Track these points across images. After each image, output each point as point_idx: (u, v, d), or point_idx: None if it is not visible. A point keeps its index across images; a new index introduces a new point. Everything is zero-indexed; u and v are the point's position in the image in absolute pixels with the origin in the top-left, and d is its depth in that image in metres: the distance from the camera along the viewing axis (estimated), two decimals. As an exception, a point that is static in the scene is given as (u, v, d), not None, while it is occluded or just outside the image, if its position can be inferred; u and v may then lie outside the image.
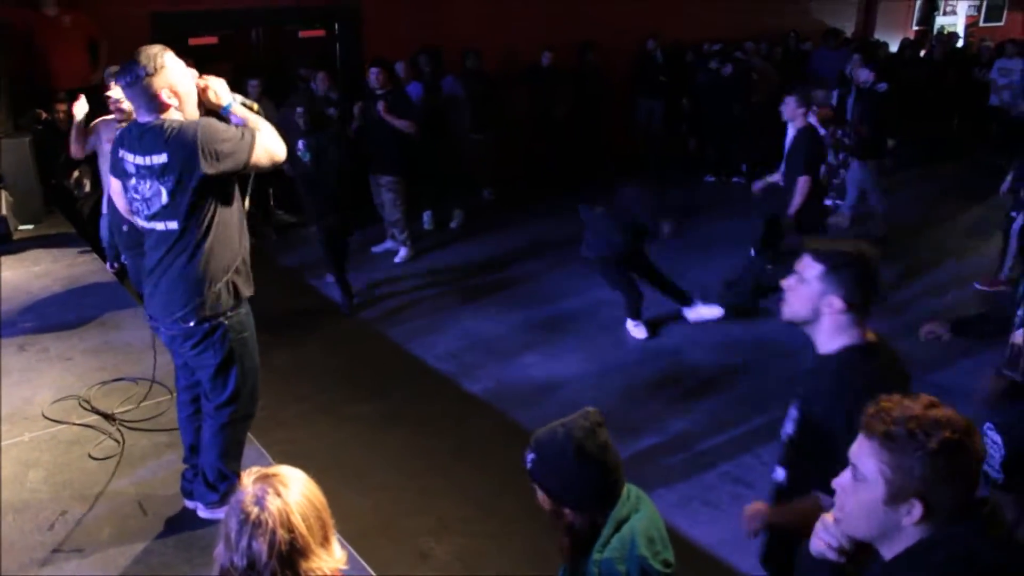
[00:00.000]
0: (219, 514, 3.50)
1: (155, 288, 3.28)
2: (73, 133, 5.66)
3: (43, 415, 4.42)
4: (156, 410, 4.45)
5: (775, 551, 2.79)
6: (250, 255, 3.39)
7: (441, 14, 9.89)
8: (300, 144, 6.36)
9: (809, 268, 2.42)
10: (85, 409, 4.49)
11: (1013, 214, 6.84)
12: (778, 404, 5.30)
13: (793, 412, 2.59)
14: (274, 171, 3.42)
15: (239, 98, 3.35)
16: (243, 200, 3.35)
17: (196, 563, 3.35)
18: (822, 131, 7.29)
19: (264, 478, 1.72)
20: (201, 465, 3.55)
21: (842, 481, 1.72)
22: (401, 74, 8.76)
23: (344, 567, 1.79)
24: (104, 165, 5.63)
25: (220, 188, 3.14)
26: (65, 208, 7.62)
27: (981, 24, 16.85)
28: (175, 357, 3.54)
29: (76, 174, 7.27)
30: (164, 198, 3.08)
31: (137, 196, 3.15)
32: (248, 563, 1.64)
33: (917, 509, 1.60)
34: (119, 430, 4.28)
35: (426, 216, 9.18)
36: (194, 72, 3.26)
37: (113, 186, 3.71)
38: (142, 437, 4.24)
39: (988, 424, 3.34)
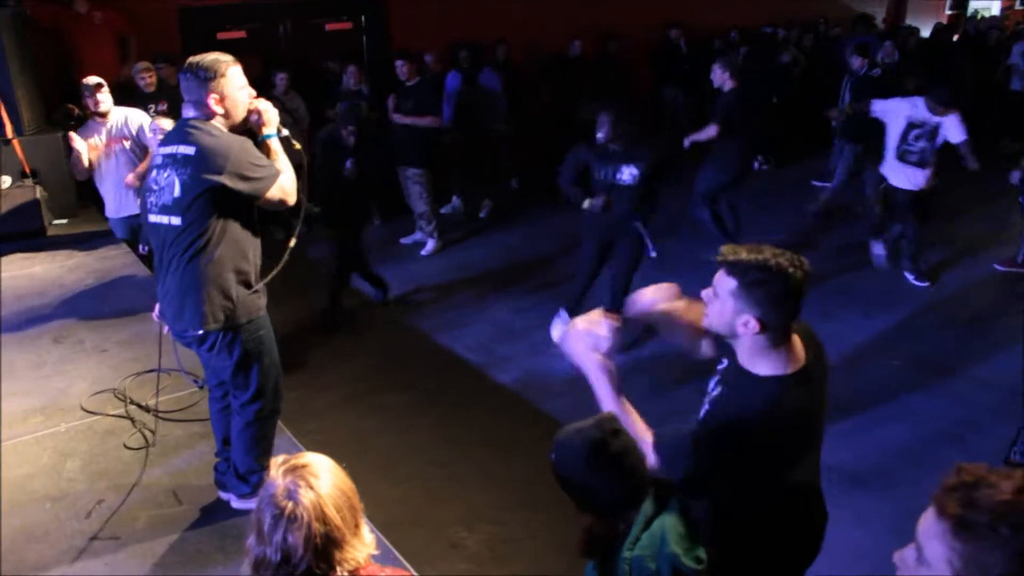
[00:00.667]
0: (251, 504, 3.53)
1: (164, 292, 3.31)
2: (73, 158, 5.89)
3: (81, 407, 4.48)
4: (189, 400, 4.51)
5: None
6: (279, 245, 3.42)
7: (466, 5, 9.88)
8: (348, 163, 6.22)
9: (722, 283, 2.19)
10: (120, 400, 4.55)
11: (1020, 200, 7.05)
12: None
13: (705, 407, 2.43)
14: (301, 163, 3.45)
15: (284, 132, 3.40)
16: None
17: (230, 551, 3.39)
18: None
19: (294, 469, 1.71)
20: (232, 459, 3.59)
21: (905, 558, 1.49)
22: (430, 64, 8.79)
23: (374, 551, 1.80)
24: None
25: (232, 203, 3.14)
26: (98, 203, 7.70)
27: (1018, 7, 16.54)
28: (201, 357, 3.57)
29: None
30: (176, 190, 3.10)
31: (154, 187, 3.19)
32: (283, 557, 1.63)
33: None
34: (154, 420, 4.34)
35: (456, 200, 9.20)
36: (251, 92, 3.31)
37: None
38: (176, 427, 4.29)
39: None
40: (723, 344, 2.42)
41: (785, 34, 11.51)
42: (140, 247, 6.26)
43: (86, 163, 5.95)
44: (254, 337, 3.34)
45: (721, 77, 7.14)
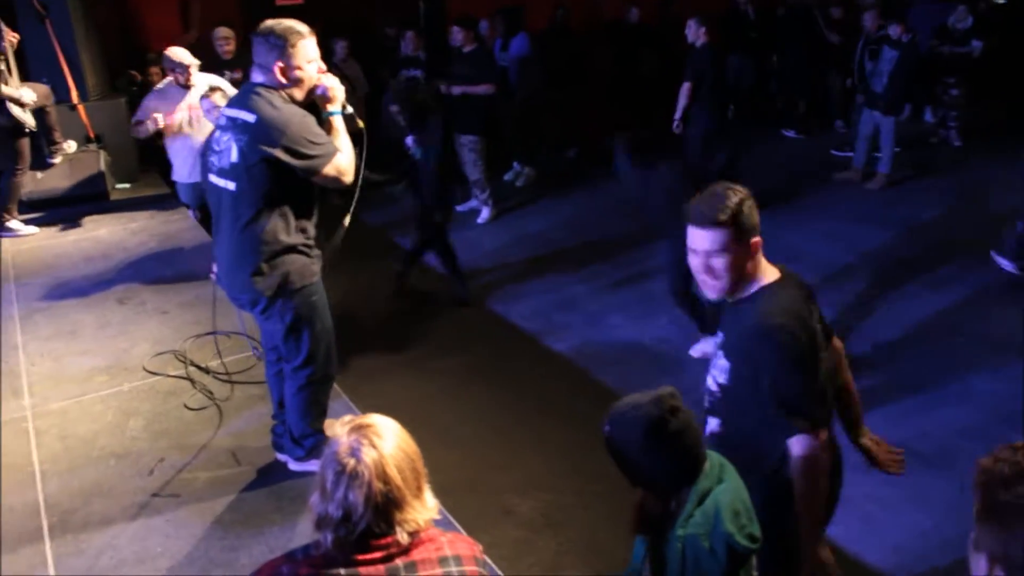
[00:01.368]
0: (308, 467, 3.58)
1: (221, 255, 3.34)
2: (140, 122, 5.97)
3: (144, 368, 4.57)
4: (248, 363, 4.57)
5: None
6: (336, 212, 3.42)
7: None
8: (409, 140, 6.06)
9: (714, 235, 2.24)
10: (180, 361, 4.63)
11: None
12: (864, 374, 5.16)
13: (723, 363, 2.44)
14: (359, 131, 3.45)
15: (348, 109, 3.38)
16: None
17: (287, 511, 3.44)
18: None
19: (358, 428, 1.70)
20: (287, 422, 3.62)
21: (969, 543, 1.44)
22: (485, 32, 8.69)
23: (436, 517, 1.79)
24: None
25: (286, 175, 3.13)
26: (160, 167, 7.83)
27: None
28: (257, 319, 3.60)
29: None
30: (234, 155, 3.11)
31: (216, 148, 3.21)
32: (344, 514, 1.63)
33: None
34: (214, 382, 4.41)
35: (516, 165, 9.15)
36: (321, 66, 3.28)
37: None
38: (235, 389, 4.35)
39: None
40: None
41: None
42: (192, 212, 6.34)
43: (152, 129, 6.01)
44: (307, 302, 3.34)
45: (696, 33, 7.50)
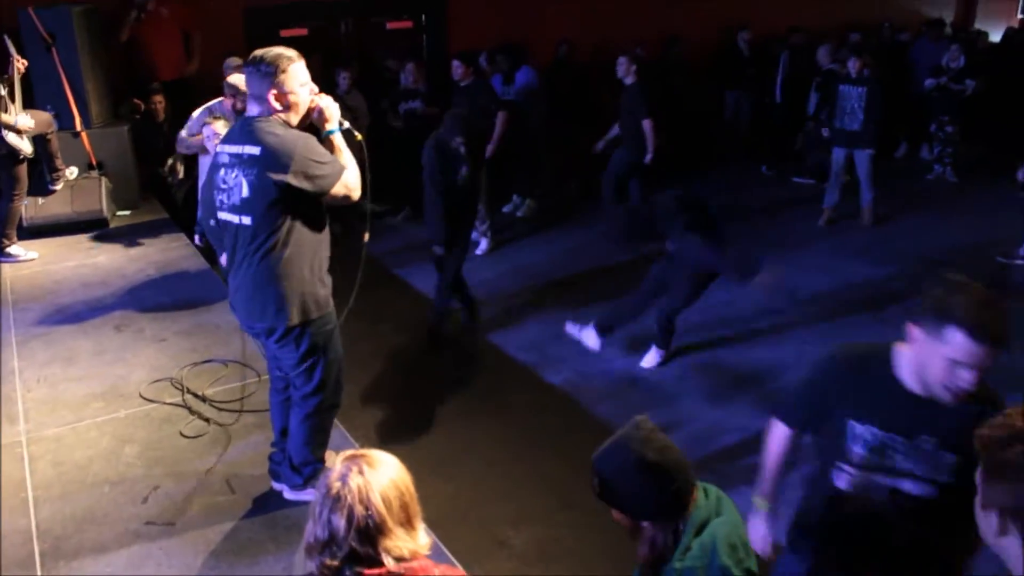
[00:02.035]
0: (304, 496, 3.59)
1: (237, 289, 3.35)
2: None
3: (140, 395, 4.57)
4: (245, 391, 4.58)
5: None
6: (338, 243, 3.46)
7: (528, 6, 9.87)
8: (463, 170, 5.87)
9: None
10: (177, 389, 4.64)
11: None
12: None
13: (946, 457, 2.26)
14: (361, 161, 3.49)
15: (346, 124, 3.42)
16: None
17: (281, 541, 3.44)
18: None
19: (353, 458, 1.77)
20: (288, 450, 3.63)
21: (976, 504, 1.53)
22: (484, 66, 8.79)
23: (426, 552, 1.82)
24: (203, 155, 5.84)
25: (300, 201, 3.16)
26: (160, 195, 7.88)
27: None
28: (266, 348, 3.61)
29: (170, 162, 7.53)
30: (245, 190, 3.13)
31: (223, 186, 3.22)
32: (329, 535, 1.71)
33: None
34: (210, 410, 4.42)
35: (516, 198, 9.21)
36: (314, 88, 3.32)
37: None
38: (231, 417, 4.36)
39: None
40: None
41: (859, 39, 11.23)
42: (195, 238, 6.35)
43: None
44: (322, 331, 3.37)
45: (627, 69, 7.87)
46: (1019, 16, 14.78)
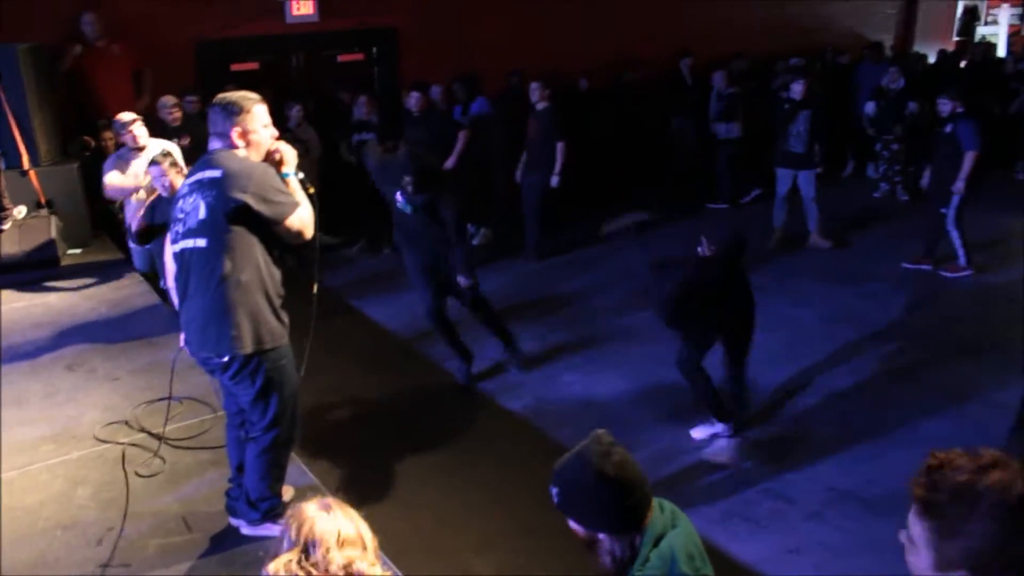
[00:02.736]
0: (261, 531, 3.56)
1: (191, 321, 3.36)
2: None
3: (94, 437, 4.50)
4: (200, 428, 4.54)
5: None
6: (292, 275, 3.48)
7: (477, 37, 9.98)
8: (399, 197, 5.56)
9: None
10: (132, 428, 4.57)
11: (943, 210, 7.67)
12: (817, 423, 5.27)
13: None
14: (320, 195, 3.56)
15: (301, 175, 3.51)
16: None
17: (239, 578, 3.40)
18: None
19: (317, 500, 1.80)
20: (245, 485, 3.61)
21: (901, 538, 1.57)
22: (436, 98, 8.86)
23: None
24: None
25: (256, 227, 3.23)
26: (112, 232, 7.80)
27: (1024, 34, 16.60)
28: (222, 383, 3.61)
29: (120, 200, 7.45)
30: (202, 212, 3.19)
31: (180, 216, 3.27)
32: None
33: None
34: (165, 448, 4.36)
35: (471, 227, 9.24)
36: (274, 132, 3.43)
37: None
38: (186, 455, 4.31)
39: None
40: None
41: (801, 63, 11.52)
42: (161, 281, 6.33)
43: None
44: (277, 365, 3.38)
45: (541, 95, 8.22)
46: (954, 39, 15.23)
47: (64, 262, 7.34)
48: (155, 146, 6.23)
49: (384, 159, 6.18)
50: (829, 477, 4.77)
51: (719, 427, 5.15)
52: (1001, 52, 14.79)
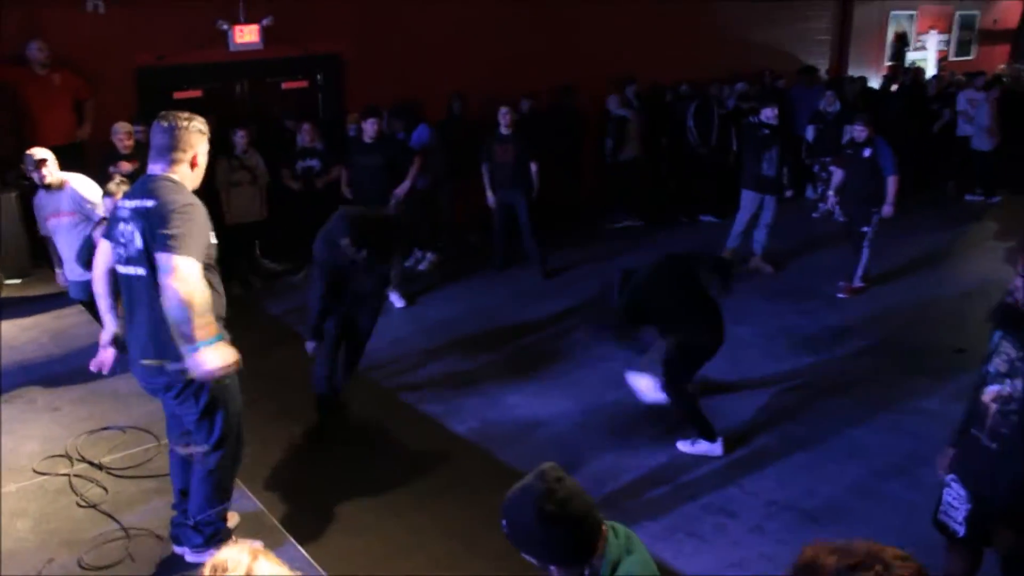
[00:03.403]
0: (205, 558, 3.53)
1: (134, 340, 3.38)
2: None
3: (33, 470, 4.43)
4: (143, 457, 4.49)
5: None
6: (237, 302, 3.49)
7: (422, 63, 10.05)
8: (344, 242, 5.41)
9: None
10: (72, 459, 4.51)
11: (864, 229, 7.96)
12: (757, 438, 5.40)
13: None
14: (261, 220, 3.58)
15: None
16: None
17: (183, 606, 3.38)
18: None
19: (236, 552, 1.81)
20: (189, 510, 3.59)
21: None
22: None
23: None
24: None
25: None
26: (52, 263, 7.68)
27: (951, 59, 17.20)
28: (165, 407, 3.61)
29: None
30: (138, 242, 3.21)
31: (121, 240, 3.29)
32: None
33: None
34: (107, 478, 4.31)
35: (417, 252, 9.30)
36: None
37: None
38: (130, 484, 4.27)
39: (952, 476, 3.38)
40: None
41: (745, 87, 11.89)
42: (60, 274, 6.40)
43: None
44: (220, 385, 3.38)
45: (510, 120, 8.72)
46: (887, 63, 15.73)
47: (3, 293, 7.20)
48: (78, 180, 6.21)
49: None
50: (769, 490, 4.90)
51: (704, 446, 5.28)
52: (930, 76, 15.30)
